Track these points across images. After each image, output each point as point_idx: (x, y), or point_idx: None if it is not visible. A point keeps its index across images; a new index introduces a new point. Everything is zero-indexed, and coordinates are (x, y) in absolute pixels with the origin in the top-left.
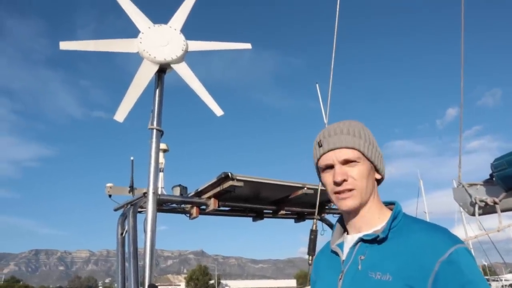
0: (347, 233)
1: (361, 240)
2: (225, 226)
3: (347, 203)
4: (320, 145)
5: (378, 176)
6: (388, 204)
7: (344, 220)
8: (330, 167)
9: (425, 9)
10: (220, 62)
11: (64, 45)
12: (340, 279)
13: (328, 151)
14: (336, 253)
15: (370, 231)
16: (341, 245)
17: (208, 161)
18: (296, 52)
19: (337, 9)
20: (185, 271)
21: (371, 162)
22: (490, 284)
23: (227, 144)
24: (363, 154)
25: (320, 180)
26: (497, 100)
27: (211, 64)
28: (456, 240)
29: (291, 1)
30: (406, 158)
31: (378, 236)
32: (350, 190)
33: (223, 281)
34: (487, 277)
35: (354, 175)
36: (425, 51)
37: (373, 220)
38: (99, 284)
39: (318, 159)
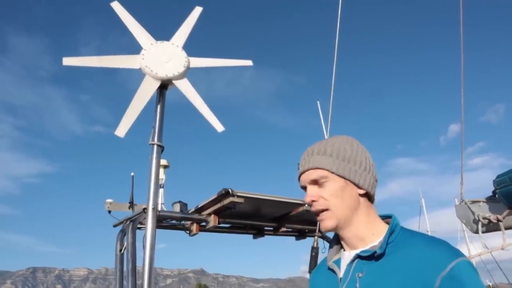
0: (344, 250)
1: (358, 256)
2: (225, 244)
3: (324, 224)
4: (298, 168)
5: (360, 191)
6: (386, 218)
7: (339, 236)
8: (306, 189)
9: (427, 24)
10: (222, 80)
11: (67, 61)
12: None
13: (301, 173)
14: (333, 271)
15: (367, 247)
16: (338, 262)
17: (209, 178)
18: (298, 70)
19: (337, 28)
20: None
21: (346, 179)
22: None
23: (228, 161)
24: (332, 173)
25: None
26: (500, 116)
27: (213, 81)
28: (457, 253)
29: (292, 21)
30: (408, 176)
31: (375, 252)
32: (323, 210)
33: None
34: None
35: (324, 194)
36: (427, 67)
37: (366, 235)
38: None
39: (299, 182)
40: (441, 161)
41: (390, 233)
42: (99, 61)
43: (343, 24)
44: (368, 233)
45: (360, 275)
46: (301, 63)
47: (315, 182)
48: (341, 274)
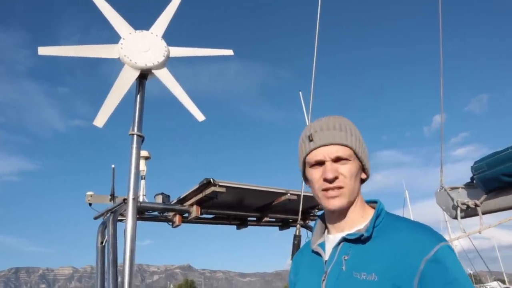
0: (328, 232)
1: (345, 239)
2: (212, 239)
3: (335, 203)
4: (310, 139)
5: (363, 176)
6: (370, 203)
7: (326, 218)
8: (320, 163)
9: (413, 13)
10: (207, 74)
11: (43, 50)
12: (324, 280)
13: (320, 146)
14: (318, 253)
15: (352, 230)
16: (322, 245)
17: (194, 172)
18: (283, 64)
19: (318, 18)
20: (171, 286)
21: (360, 162)
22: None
23: (212, 156)
24: (355, 153)
25: (304, 177)
26: (483, 106)
27: (198, 75)
28: (440, 238)
29: (277, 14)
30: (393, 168)
31: (362, 235)
32: (339, 188)
33: None
34: None
35: (344, 173)
36: (412, 58)
37: (356, 219)
38: None
39: (307, 154)
40: (425, 152)
41: (376, 217)
42: (76, 50)
43: (327, 16)
44: (358, 217)
45: (346, 257)
46: (286, 57)
47: (338, 159)
48: (326, 256)
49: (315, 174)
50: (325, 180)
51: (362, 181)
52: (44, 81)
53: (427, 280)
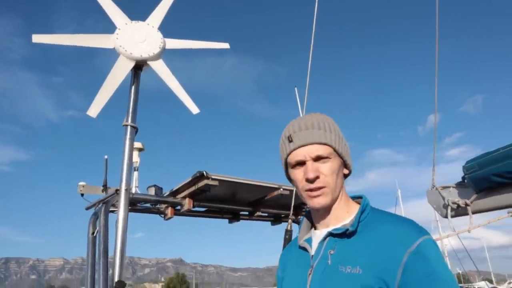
0: (315, 228)
1: (330, 234)
2: (204, 233)
3: (319, 201)
4: (290, 140)
5: (346, 171)
6: (355, 198)
7: (312, 215)
8: (301, 163)
9: (411, 13)
10: (203, 68)
11: (37, 38)
12: (310, 274)
13: (300, 146)
14: (305, 249)
15: (338, 225)
16: (309, 240)
17: (187, 165)
18: (280, 60)
19: (314, 19)
20: (162, 279)
21: (341, 158)
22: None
23: (206, 149)
24: (335, 150)
25: (287, 177)
26: (478, 107)
27: (194, 69)
28: (423, 231)
29: (274, 10)
30: (387, 167)
31: (347, 229)
32: (321, 187)
33: None
34: (460, 284)
35: (325, 171)
36: (409, 57)
37: (341, 214)
38: None
39: (288, 155)
40: (419, 152)
41: (362, 212)
42: (71, 39)
43: (325, 15)
44: (343, 212)
45: (332, 252)
46: (283, 53)
47: (319, 158)
48: (312, 251)
49: (298, 174)
50: (307, 180)
51: (345, 176)
52: (38, 70)
53: (410, 272)
